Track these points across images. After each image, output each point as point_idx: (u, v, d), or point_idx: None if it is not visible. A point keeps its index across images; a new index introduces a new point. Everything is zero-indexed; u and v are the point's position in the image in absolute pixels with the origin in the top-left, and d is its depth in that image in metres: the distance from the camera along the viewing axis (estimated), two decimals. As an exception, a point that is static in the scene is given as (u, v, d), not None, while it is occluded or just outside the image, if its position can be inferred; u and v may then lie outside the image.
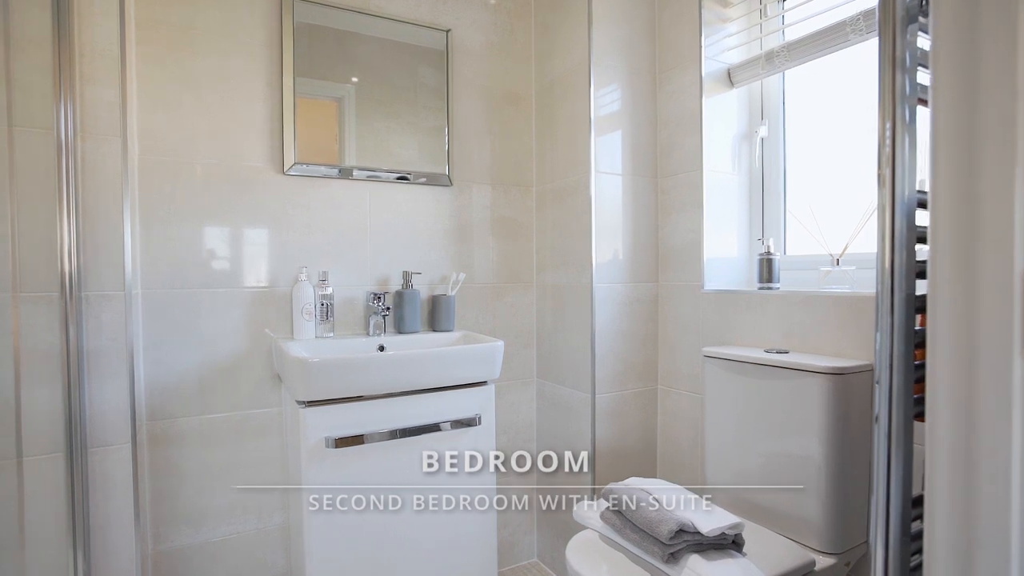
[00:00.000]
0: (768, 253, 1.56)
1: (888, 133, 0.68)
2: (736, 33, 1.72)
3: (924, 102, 0.68)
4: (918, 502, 0.73)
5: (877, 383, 0.71)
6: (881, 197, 0.69)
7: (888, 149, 0.68)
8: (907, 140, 0.67)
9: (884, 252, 0.69)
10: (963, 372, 0.54)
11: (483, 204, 1.95)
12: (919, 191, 0.68)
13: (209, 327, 1.57)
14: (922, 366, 0.72)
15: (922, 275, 0.72)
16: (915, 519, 0.70)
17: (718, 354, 1.47)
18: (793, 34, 1.56)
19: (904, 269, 0.68)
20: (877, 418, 0.71)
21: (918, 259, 0.70)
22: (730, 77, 1.72)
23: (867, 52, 1.43)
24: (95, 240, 1.22)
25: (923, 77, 0.68)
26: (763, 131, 1.73)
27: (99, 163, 1.22)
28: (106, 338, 1.23)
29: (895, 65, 0.66)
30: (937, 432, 0.57)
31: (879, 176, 0.69)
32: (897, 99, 0.67)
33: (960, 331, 0.54)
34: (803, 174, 1.67)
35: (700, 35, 1.68)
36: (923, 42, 0.67)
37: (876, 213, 0.70)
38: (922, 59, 0.67)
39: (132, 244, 1.41)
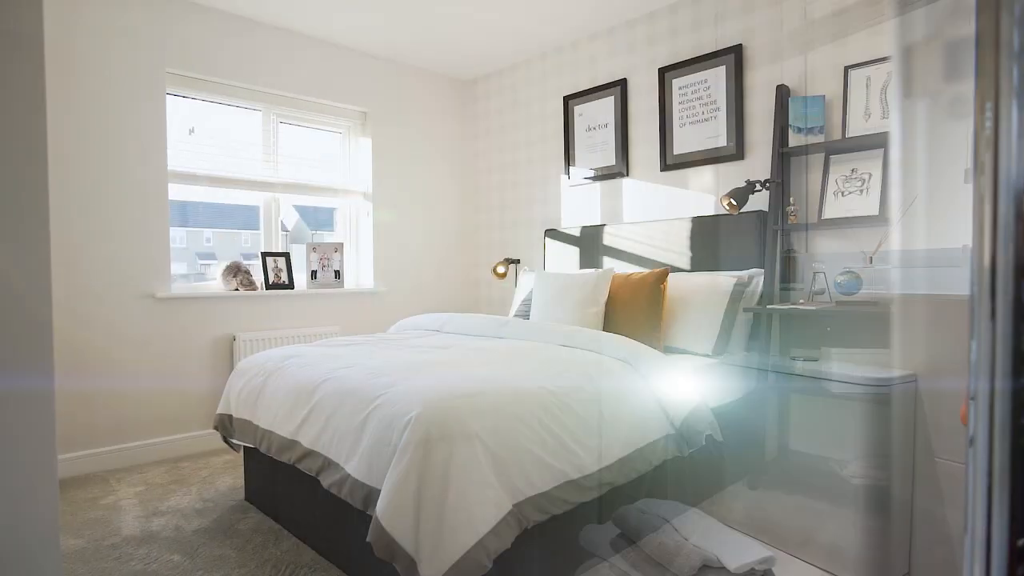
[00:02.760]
0: (791, 251, 1.45)
1: (990, 104, 0.56)
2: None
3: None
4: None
5: (972, 399, 0.59)
6: (979, 186, 0.57)
7: (990, 124, 0.56)
8: (1016, 109, 0.55)
9: (983, 248, 0.57)
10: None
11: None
12: (1031, 172, 0.56)
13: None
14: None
15: (1025, 274, 0.61)
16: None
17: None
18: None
19: (1012, 267, 0.56)
20: (972, 441, 0.59)
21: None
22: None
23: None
24: None
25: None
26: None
27: None
28: None
29: (1000, 9, 0.55)
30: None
31: (976, 162, 0.57)
32: (1002, 56, 0.55)
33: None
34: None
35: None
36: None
37: (972, 203, 0.58)
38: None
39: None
